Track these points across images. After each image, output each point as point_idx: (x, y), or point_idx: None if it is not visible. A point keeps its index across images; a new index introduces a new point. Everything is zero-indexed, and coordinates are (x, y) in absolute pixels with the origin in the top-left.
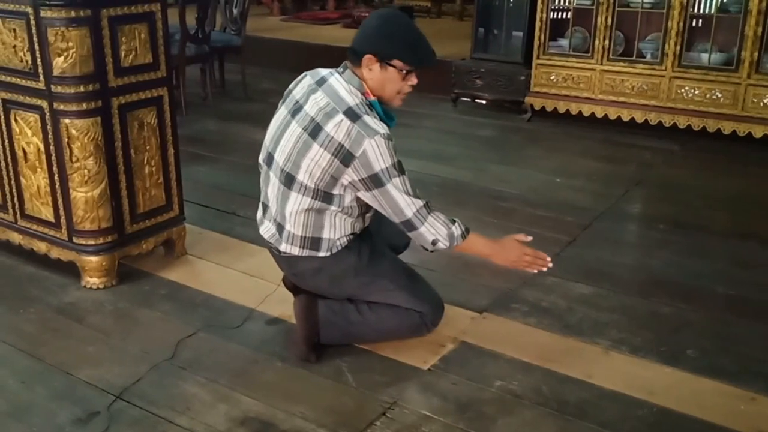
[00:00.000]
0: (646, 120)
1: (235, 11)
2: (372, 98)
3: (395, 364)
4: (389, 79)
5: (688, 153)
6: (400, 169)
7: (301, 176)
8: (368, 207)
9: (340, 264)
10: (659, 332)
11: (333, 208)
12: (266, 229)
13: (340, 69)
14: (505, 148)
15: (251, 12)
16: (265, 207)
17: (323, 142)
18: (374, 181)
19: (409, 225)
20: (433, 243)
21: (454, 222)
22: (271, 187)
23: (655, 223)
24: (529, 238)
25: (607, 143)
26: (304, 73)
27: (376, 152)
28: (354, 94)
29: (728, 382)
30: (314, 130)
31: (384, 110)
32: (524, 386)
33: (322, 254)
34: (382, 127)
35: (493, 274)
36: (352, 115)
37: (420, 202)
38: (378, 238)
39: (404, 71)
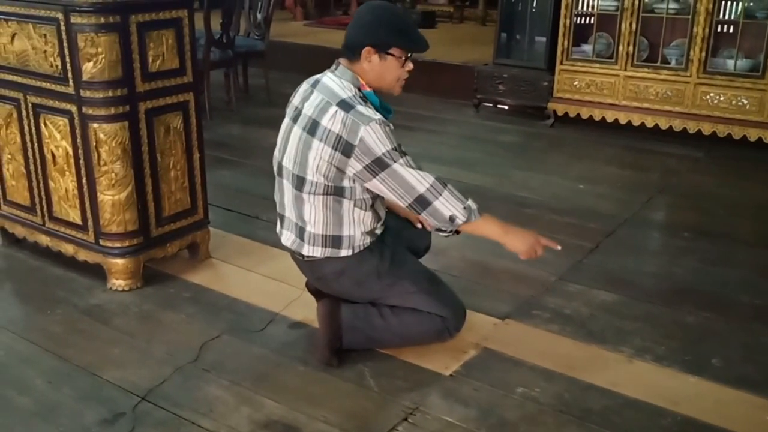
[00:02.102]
0: (670, 126)
1: (259, 16)
2: (367, 90)
3: (417, 369)
4: (389, 68)
5: (713, 160)
6: (401, 151)
7: (310, 175)
8: (377, 196)
9: (363, 266)
10: (684, 341)
11: (347, 201)
12: (287, 238)
13: (333, 67)
14: (527, 154)
15: (275, 17)
16: (282, 217)
17: (322, 136)
18: (379, 165)
19: (423, 202)
20: (451, 219)
21: (467, 198)
22: (286, 195)
23: (679, 231)
24: (558, 247)
25: (631, 150)
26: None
27: (374, 137)
28: (347, 88)
29: (753, 392)
30: (312, 127)
31: (381, 103)
32: (547, 394)
33: (343, 253)
34: (376, 115)
35: (515, 280)
36: (345, 105)
37: (431, 176)
38: (399, 242)
39: (402, 58)
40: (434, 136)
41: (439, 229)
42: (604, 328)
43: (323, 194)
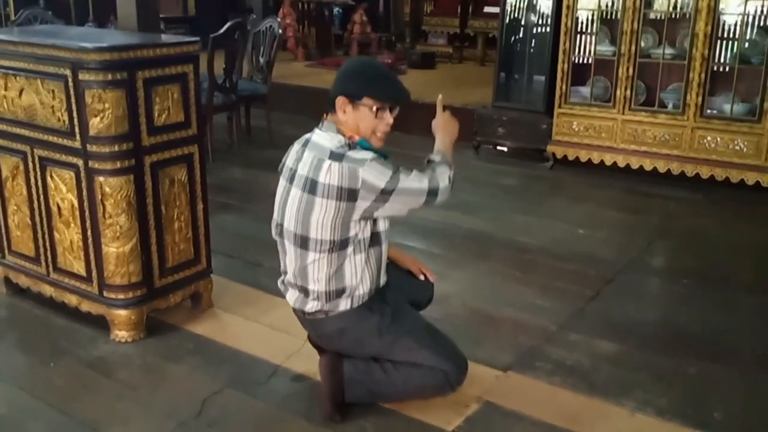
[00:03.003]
0: (668, 170)
1: (261, 60)
2: (357, 139)
3: (420, 424)
4: (362, 118)
5: (712, 203)
6: (397, 170)
7: (313, 233)
8: (378, 236)
9: (364, 324)
10: (685, 393)
11: (350, 251)
12: (291, 296)
13: (320, 124)
14: (527, 197)
15: (276, 58)
16: (286, 275)
17: (323, 192)
18: (386, 193)
19: (432, 192)
20: (450, 179)
21: (434, 164)
22: (289, 255)
23: (679, 277)
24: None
25: (630, 193)
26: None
27: (374, 174)
28: (334, 139)
29: None
30: (312, 186)
31: (375, 150)
32: None
33: (343, 307)
34: (368, 154)
35: (516, 329)
36: (336, 156)
37: (425, 174)
38: (400, 296)
39: (374, 108)
40: None
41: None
42: (606, 379)
43: (328, 251)
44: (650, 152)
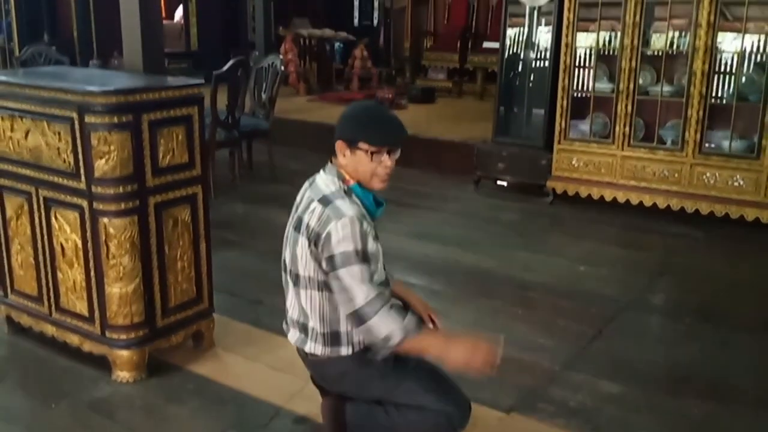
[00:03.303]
0: (668, 205)
1: (264, 96)
2: (352, 184)
3: None
4: (359, 162)
5: (712, 240)
6: (361, 257)
7: (301, 270)
8: None
9: (365, 369)
10: None
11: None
12: (292, 335)
13: (326, 166)
14: (528, 233)
15: (278, 93)
16: (287, 313)
17: (303, 230)
18: (332, 264)
19: (360, 317)
20: (386, 338)
21: (407, 315)
22: (289, 292)
23: (681, 315)
24: (501, 346)
25: (630, 229)
26: None
27: (339, 235)
28: (332, 183)
29: None
30: (298, 223)
31: (373, 197)
32: None
33: (344, 352)
34: (353, 210)
35: (519, 369)
36: (324, 200)
37: (374, 292)
38: None
39: (370, 152)
40: (435, 214)
41: (372, 345)
42: (609, 421)
43: (317, 289)
44: (650, 188)
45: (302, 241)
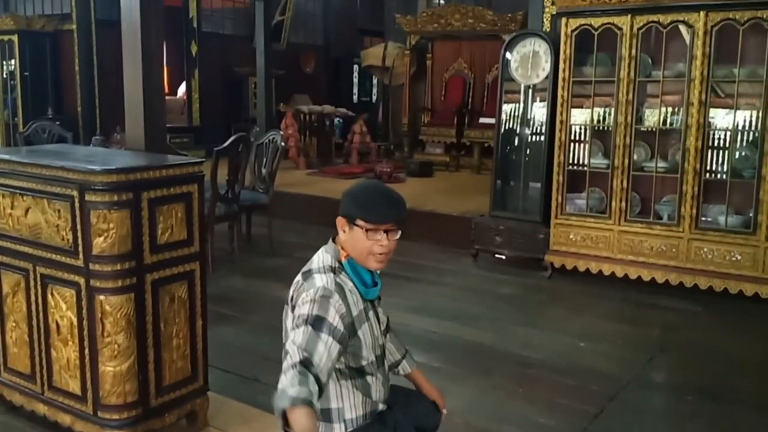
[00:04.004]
0: (666, 280)
1: (264, 171)
2: (344, 260)
3: None
4: (357, 239)
5: (712, 315)
6: (314, 325)
7: (288, 344)
8: (360, 369)
9: None
10: None
11: None
12: None
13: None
14: (527, 307)
15: (278, 167)
16: None
17: (288, 301)
18: (296, 322)
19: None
20: (280, 393)
21: (304, 389)
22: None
23: (683, 393)
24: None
25: (629, 303)
26: None
27: (305, 299)
28: (323, 260)
29: None
30: (288, 298)
31: (362, 273)
32: None
33: (337, 429)
34: (328, 283)
35: None
36: (306, 273)
37: (298, 358)
38: (405, 420)
39: (366, 230)
40: (433, 287)
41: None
42: None
43: None
44: (648, 263)
45: (286, 313)
